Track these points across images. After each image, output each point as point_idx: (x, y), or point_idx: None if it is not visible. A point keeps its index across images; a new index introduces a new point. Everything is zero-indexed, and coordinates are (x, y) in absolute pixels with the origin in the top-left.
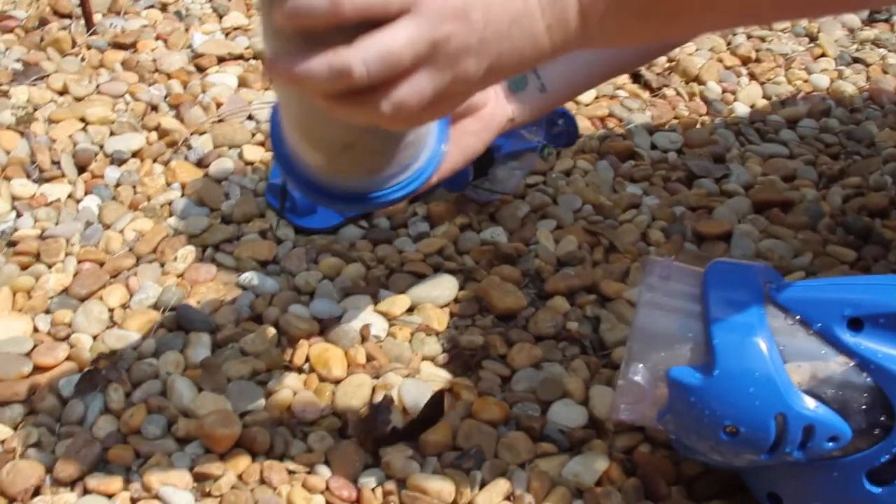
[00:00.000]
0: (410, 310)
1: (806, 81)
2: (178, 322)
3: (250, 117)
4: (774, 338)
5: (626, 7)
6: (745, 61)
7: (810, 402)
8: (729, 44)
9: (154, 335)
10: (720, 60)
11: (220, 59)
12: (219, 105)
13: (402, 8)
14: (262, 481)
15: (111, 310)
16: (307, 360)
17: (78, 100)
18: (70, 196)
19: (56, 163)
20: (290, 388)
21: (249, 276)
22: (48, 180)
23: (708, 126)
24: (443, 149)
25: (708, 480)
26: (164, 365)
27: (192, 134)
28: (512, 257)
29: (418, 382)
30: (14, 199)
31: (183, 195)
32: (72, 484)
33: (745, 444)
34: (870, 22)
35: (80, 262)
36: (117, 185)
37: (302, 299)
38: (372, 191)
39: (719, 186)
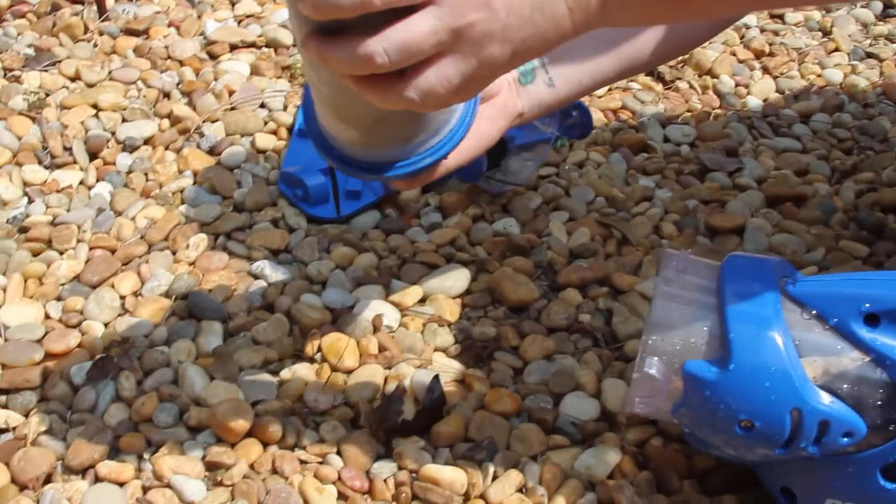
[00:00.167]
0: (422, 300)
1: (819, 76)
2: (190, 310)
3: (263, 105)
4: (790, 332)
5: None
6: (759, 55)
7: (826, 398)
8: (742, 37)
9: (166, 323)
10: (733, 54)
11: (233, 47)
12: (231, 93)
13: None
14: (274, 471)
15: (123, 297)
16: (319, 349)
17: (90, 86)
18: (82, 182)
19: (68, 149)
20: (302, 378)
21: (261, 265)
22: (60, 166)
23: (721, 119)
24: (474, 107)
25: (720, 474)
26: (175, 353)
27: (204, 121)
28: (524, 249)
29: (430, 374)
30: (26, 184)
31: (195, 183)
32: (83, 472)
33: (759, 438)
34: (884, 17)
35: (91, 248)
36: (129, 172)
37: (314, 289)
38: (407, 157)
39: (732, 180)
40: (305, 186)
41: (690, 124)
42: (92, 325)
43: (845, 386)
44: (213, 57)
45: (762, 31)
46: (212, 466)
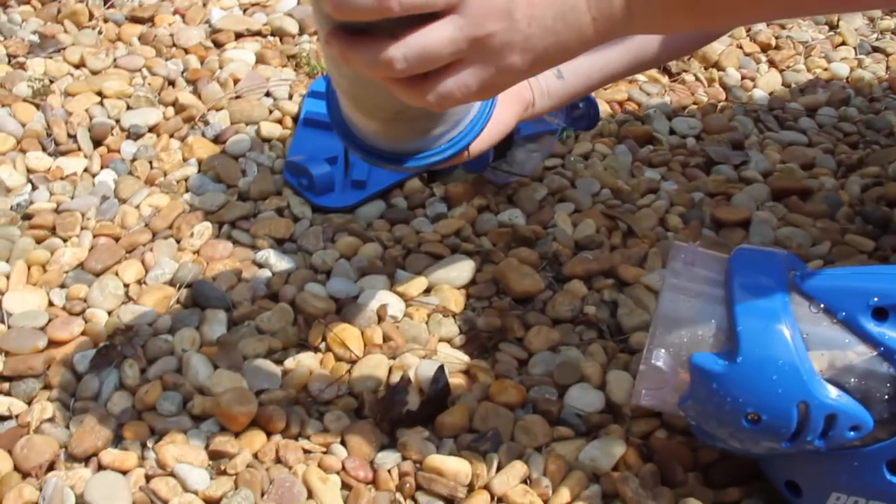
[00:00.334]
0: (427, 291)
1: (825, 70)
2: (194, 299)
3: (268, 94)
4: (798, 325)
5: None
6: (765, 48)
7: (833, 391)
8: (749, 31)
9: (170, 311)
10: (740, 47)
11: (238, 35)
12: (236, 81)
13: (447, 5)
14: (278, 460)
15: (126, 285)
16: (323, 339)
17: (94, 73)
18: (86, 170)
19: (72, 136)
20: (307, 367)
21: (266, 254)
22: (64, 154)
23: (727, 112)
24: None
25: (725, 467)
26: (179, 341)
27: (209, 110)
28: (530, 240)
29: (435, 364)
30: (30, 171)
31: (199, 171)
32: (86, 460)
33: (766, 431)
34: (890, 11)
35: (95, 236)
36: (133, 160)
37: (318, 278)
38: (429, 148)
39: (738, 173)
40: (310, 175)
41: (696, 117)
42: (95, 312)
43: (853, 380)
44: (219, 45)
45: (768, 24)
46: (215, 455)
